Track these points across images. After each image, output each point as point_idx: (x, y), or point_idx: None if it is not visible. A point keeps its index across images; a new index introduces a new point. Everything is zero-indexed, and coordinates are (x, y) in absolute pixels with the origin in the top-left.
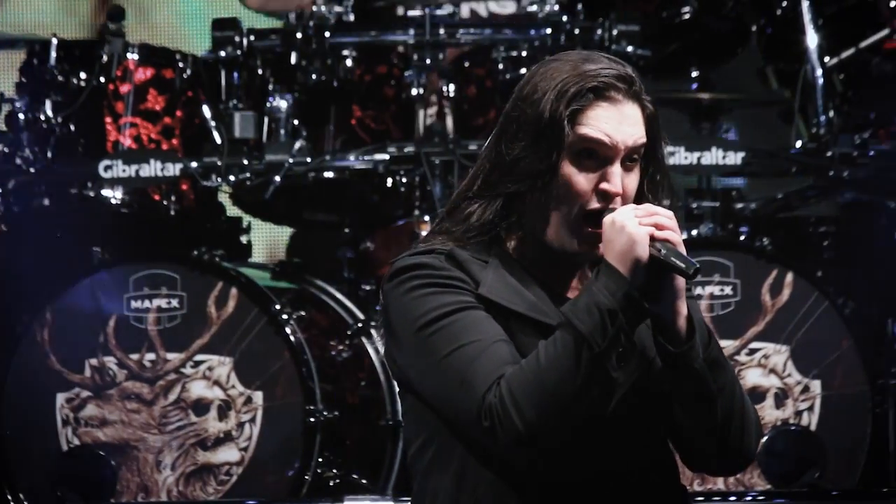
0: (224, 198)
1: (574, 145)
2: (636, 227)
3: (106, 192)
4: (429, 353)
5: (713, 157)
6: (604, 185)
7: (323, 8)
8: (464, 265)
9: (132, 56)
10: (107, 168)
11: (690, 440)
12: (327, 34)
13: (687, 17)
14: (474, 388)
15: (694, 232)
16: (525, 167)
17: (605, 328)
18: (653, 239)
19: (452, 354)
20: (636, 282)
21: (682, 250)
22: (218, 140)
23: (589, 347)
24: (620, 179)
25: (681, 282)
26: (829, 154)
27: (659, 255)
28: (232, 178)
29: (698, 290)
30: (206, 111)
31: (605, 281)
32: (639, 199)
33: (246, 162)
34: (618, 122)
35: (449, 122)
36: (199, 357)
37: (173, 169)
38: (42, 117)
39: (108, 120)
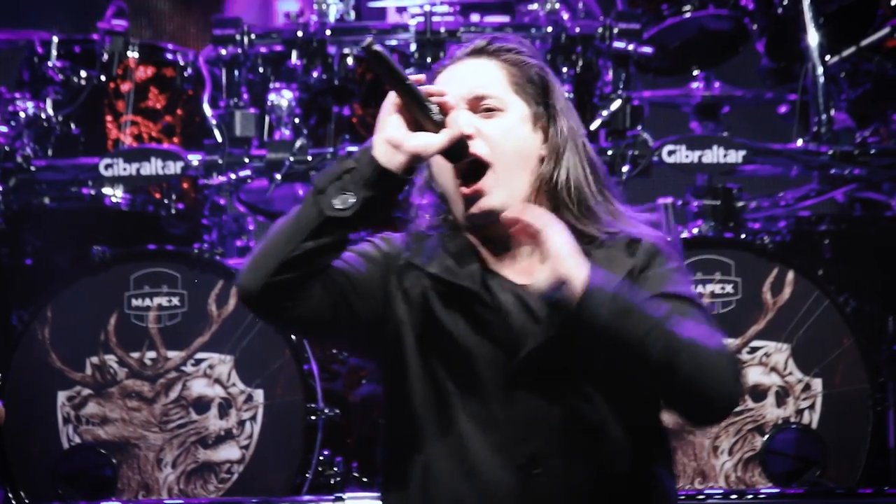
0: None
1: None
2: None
3: (106, 191)
4: None
5: (714, 155)
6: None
7: (323, 7)
8: (410, 238)
9: (133, 54)
10: (107, 166)
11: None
12: (328, 33)
13: (688, 15)
14: None
15: (695, 230)
16: None
17: (334, 174)
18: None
19: None
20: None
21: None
22: (219, 138)
23: (313, 190)
24: (467, 119)
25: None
26: (830, 152)
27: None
28: (233, 175)
29: (699, 289)
30: (207, 109)
31: (357, 152)
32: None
33: (247, 160)
34: (451, 79)
35: None
36: (199, 355)
37: (174, 167)
38: (42, 115)
39: (109, 118)
